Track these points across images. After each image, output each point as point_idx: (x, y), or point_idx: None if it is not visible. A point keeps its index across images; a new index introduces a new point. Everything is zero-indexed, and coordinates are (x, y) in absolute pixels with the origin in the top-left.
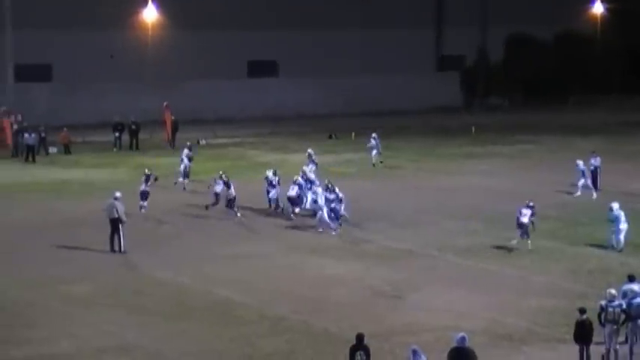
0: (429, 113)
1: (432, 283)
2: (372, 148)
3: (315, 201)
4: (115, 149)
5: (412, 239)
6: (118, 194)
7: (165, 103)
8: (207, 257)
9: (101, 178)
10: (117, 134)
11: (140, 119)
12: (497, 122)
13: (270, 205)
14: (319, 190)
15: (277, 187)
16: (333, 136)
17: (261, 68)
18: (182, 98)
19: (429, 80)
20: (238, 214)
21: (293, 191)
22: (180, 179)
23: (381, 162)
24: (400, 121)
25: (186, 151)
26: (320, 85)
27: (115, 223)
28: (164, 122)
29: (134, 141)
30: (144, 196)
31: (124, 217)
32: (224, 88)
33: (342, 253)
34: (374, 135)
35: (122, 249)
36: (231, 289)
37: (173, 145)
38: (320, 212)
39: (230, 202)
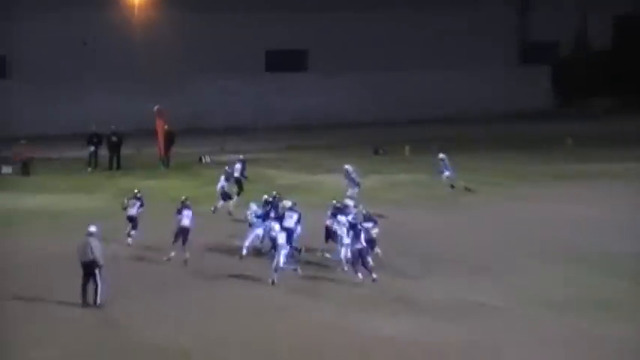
0: (508, 120)
1: (514, 346)
2: (442, 171)
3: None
4: (89, 169)
5: (486, 288)
6: (93, 229)
7: (156, 107)
8: (212, 311)
9: (71, 208)
10: (92, 149)
11: (123, 129)
12: (601, 131)
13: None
14: (276, 225)
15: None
16: (381, 150)
17: (283, 60)
18: (180, 101)
19: (510, 76)
20: (186, 255)
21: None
22: (220, 203)
23: (452, 186)
24: (470, 131)
25: (237, 165)
26: (362, 84)
27: (89, 267)
28: (155, 133)
29: (115, 158)
30: (133, 222)
31: (101, 260)
32: (234, 87)
33: (392, 307)
34: (441, 156)
35: (98, 301)
36: (245, 356)
37: (167, 164)
38: (285, 250)
39: (180, 235)
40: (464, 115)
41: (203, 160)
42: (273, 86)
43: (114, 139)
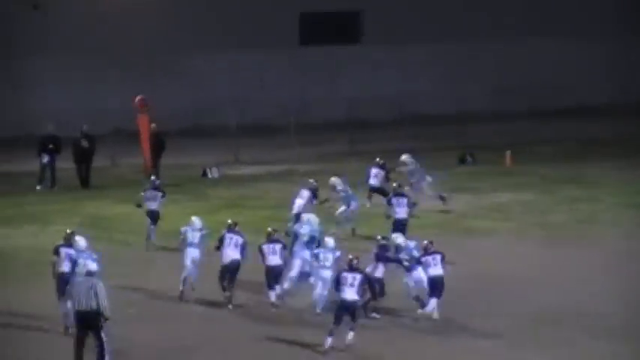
0: None
1: None
2: (411, 176)
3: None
4: (38, 187)
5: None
6: (93, 266)
7: (137, 99)
8: None
9: (14, 247)
10: (46, 159)
11: (94, 130)
12: None
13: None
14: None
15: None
16: (469, 158)
17: (326, 28)
18: (173, 89)
19: None
20: None
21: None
22: None
23: (414, 216)
24: (598, 128)
25: (375, 170)
26: (440, 60)
27: (89, 319)
28: (138, 135)
29: (84, 170)
30: (153, 218)
31: (107, 309)
32: (255, 68)
33: None
34: (405, 158)
35: None
36: None
37: (146, 175)
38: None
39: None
40: (587, 104)
41: (209, 175)
42: (310, 65)
43: (84, 143)
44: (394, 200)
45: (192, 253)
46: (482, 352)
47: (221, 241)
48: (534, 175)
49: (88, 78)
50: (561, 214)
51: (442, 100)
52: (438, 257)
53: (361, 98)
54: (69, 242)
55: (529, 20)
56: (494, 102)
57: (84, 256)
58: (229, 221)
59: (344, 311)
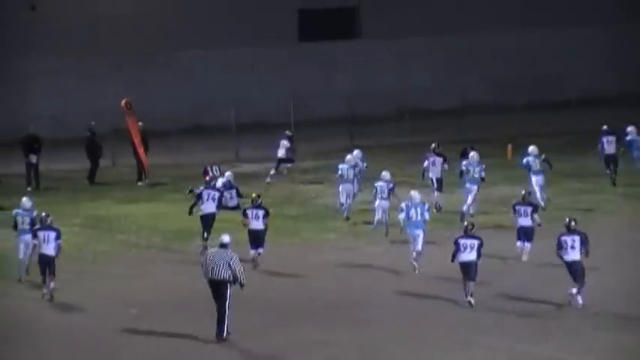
0: None
1: None
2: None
3: None
4: (29, 188)
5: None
6: (227, 239)
7: (123, 102)
8: None
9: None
10: (33, 159)
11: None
12: None
13: None
14: None
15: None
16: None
17: (324, 24)
18: (173, 88)
19: None
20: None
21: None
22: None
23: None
24: (598, 120)
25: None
26: (440, 52)
27: (220, 287)
28: (128, 133)
29: (93, 166)
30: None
31: (242, 277)
32: (254, 65)
33: None
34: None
35: (224, 333)
36: None
37: (146, 176)
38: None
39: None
40: (589, 96)
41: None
42: (309, 61)
43: (98, 141)
44: (249, 211)
45: (346, 189)
46: (484, 345)
47: (200, 196)
48: None
49: (84, 79)
50: (564, 206)
51: (442, 93)
52: (529, 210)
53: (360, 93)
54: (45, 224)
55: (528, 11)
56: (494, 94)
57: (22, 214)
58: (253, 195)
59: (466, 272)
